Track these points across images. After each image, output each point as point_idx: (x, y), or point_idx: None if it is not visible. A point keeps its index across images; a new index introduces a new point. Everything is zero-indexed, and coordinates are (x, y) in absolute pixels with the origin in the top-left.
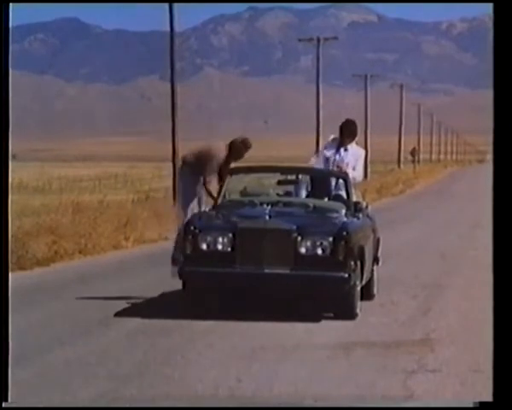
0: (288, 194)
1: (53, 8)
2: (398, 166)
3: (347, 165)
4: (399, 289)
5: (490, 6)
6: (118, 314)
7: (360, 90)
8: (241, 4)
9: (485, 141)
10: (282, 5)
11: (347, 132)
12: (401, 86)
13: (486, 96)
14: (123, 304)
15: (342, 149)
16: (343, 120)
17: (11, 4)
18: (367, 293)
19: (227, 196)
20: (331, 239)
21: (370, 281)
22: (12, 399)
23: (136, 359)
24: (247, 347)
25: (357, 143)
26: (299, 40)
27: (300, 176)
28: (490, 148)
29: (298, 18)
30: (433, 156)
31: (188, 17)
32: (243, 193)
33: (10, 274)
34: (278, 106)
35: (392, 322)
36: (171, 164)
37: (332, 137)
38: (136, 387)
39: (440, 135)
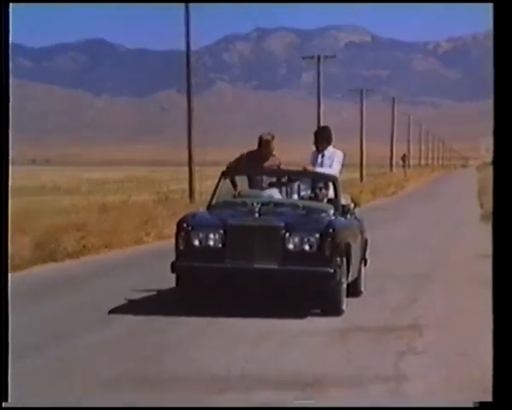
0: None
1: (82, 30)
2: (391, 170)
3: (324, 166)
4: (391, 279)
5: (473, 26)
6: (135, 303)
7: (356, 103)
8: (250, 25)
9: (467, 147)
10: (287, 26)
11: (321, 138)
12: (393, 99)
13: (469, 108)
14: (142, 293)
15: (319, 156)
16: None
17: (11, 4)
18: (355, 290)
19: (220, 197)
20: (318, 236)
21: (358, 279)
22: (12, 399)
23: (155, 342)
24: (249, 335)
25: (334, 147)
26: (302, 58)
27: (289, 178)
28: (472, 154)
29: (300, 38)
30: (422, 161)
31: (202, 36)
32: (237, 195)
33: (40, 266)
34: (283, 116)
35: (384, 309)
36: (187, 168)
37: (313, 150)
38: (157, 367)
39: (428, 142)
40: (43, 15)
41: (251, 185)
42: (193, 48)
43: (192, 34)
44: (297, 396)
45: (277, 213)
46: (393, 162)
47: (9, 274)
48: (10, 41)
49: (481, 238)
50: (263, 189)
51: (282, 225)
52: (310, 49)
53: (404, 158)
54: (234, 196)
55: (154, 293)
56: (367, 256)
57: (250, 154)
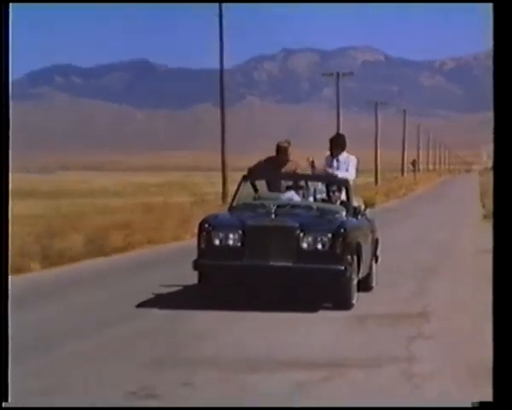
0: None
1: (127, 51)
2: (402, 174)
3: (341, 171)
4: (401, 272)
5: (475, 46)
6: (171, 294)
7: (371, 115)
8: (276, 46)
9: (470, 154)
10: (309, 47)
11: (336, 144)
12: (404, 111)
13: (471, 119)
14: (178, 285)
15: (335, 161)
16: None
17: (11, 4)
18: (366, 285)
19: (241, 200)
20: (330, 236)
21: (369, 275)
22: (12, 399)
23: (193, 329)
24: (278, 323)
25: (347, 153)
26: (323, 75)
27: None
28: (475, 159)
29: (321, 57)
30: (430, 166)
31: (234, 57)
32: (257, 197)
33: (91, 260)
34: (305, 127)
35: (396, 299)
36: (218, 173)
37: (327, 153)
38: (195, 349)
39: (435, 149)
40: (92, 36)
41: (270, 188)
42: (226, 67)
43: (225, 54)
44: (322, 376)
45: (292, 215)
46: (404, 167)
47: (9, 275)
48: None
49: (483, 235)
50: (281, 192)
51: (297, 225)
52: (330, 67)
53: (413, 163)
54: (254, 199)
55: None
56: (378, 253)
57: (269, 159)
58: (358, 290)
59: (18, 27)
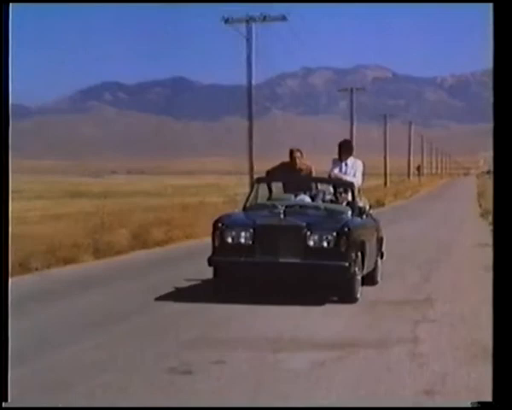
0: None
1: (166, 69)
2: (408, 177)
3: (349, 175)
4: (408, 263)
5: (473, 64)
6: (204, 282)
7: (381, 125)
8: (297, 64)
9: (468, 160)
10: (326, 65)
11: (344, 150)
12: (410, 123)
13: (469, 129)
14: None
15: (343, 165)
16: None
17: (11, 5)
18: (371, 280)
19: (254, 200)
20: (335, 234)
21: (374, 270)
22: (12, 399)
23: (221, 314)
24: (290, 310)
25: (354, 157)
26: (338, 90)
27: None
28: (472, 165)
29: (337, 75)
30: (433, 171)
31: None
32: (270, 198)
33: (135, 252)
34: (323, 136)
35: (403, 286)
36: (248, 176)
37: (334, 158)
38: (226, 330)
39: (438, 156)
40: (136, 56)
41: (285, 190)
42: (253, 83)
43: (252, 72)
44: (338, 355)
45: (300, 214)
46: (410, 172)
47: (9, 277)
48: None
49: (480, 230)
50: (295, 193)
51: (304, 224)
52: (344, 84)
53: (418, 168)
54: (268, 200)
55: None
56: (383, 250)
57: (283, 164)
58: (363, 285)
59: (71, 46)
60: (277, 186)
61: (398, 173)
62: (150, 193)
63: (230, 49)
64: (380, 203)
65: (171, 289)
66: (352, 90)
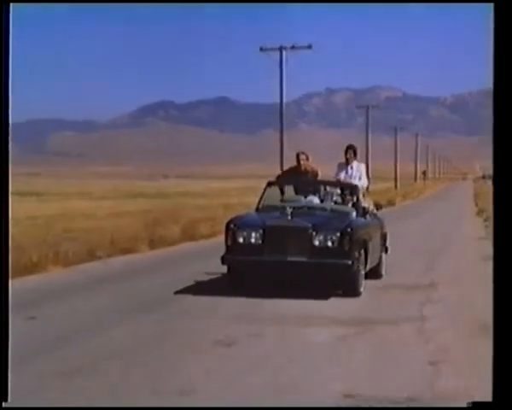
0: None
1: (211, 89)
2: (415, 181)
3: (355, 178)
4: (415, 252)
5: (470, 85)
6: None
7: (392, 136)
8: (322, 85)
9: (466, 166)
10: (346, 86)
11: (349, 154)
12: (416, 135)
13: (466, 140)
14: None
15: (349, 168)
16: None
17: (11, 4)
18: (376, 273)
19: (266, 202)
20: (339, 234)
21: (379, 265)
22: (12, 399)
23: (256, 296)
24: (315, 294)
25: (358, 161)
26: (356, 107)
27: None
28: (470, 170)
29: (355, 94)
30: (436, 175)
31: (290, 94)
32: (282, 200)
33: (185, 243)
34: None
35: (410, 272)
36: None
37: (339, 162)
38: (261, 310)
39: (440, 163)
40: (185, 77)
41: (296, 192)
42: (284, 101)
43: (284, 92)
44: (356, 331)
45: (307, 216)
46: (417, 176)
47: (9, 277)
48: (10, 43)
49: (476, 226)
50: (304, 195)
51: (310, 225)
52: (361, 102)
53: (424, 173)
54: (281, 201)
55: None
56: (387, 245)
57: (290, 168)
58: (369, 278)
59: (130, 69)
60: (289, 188)
61: (406, 177)
62: (197, 194)
63: (265, 73)
64: (391, 203)
65: (214, 276)
66: (367, 108)
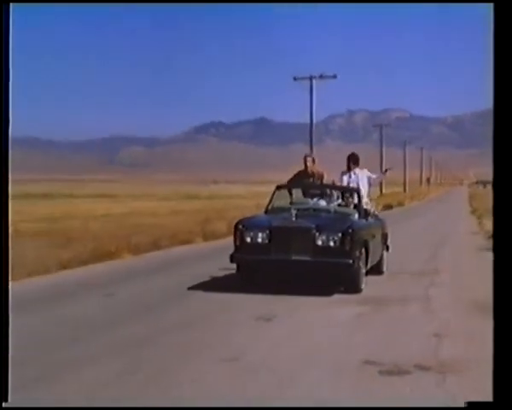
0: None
1: (251, 111)
2: (420, 185)
3: (361, 185)
4: (421, 245)
5: (467, 107)
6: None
7: (401, 150)
8: (344, 107)
9: (462, 174)
10: (364, 108)
11: (352, 161)
12: (421, 148)
13: (463, 152)
14: None
15: (352, 174)
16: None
17: (11, 4)
18: (378, 270)
19: (275, 204)
20: (340, 235)
21: (380, 262)
22: (12, 399)
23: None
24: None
25: (360, 168)
26: (372, 126)
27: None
28: (465, 177)
29: (371, 115)
30: (437, 181)
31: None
32: (291, 202)
33: (228, 238)
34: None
35: (416, 261)
36: None
37: (342, 171)
38: (291, 293)
39: (441, 171)
40: (231, 101)
41: (304, 195)
42: (314, 121)
43: (314, 113)
44: (372, 309)
45: (311, 217)
46: (422, 182)
47: (9, 278)
48: (10, 43)
49: (471, 222)
50: (312, 197)
51: (313, 226)
52: (376, 121)
53: (428, 179)
54: (290, 204)
55: None
56: (388, 243)
57: (299, 172)
58: (367, 275)
59: (187, 95)
60: (298, 191)
61: (413, 183)
62: (241, 196)
63: (297, 97)
64: (401, 204)
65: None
66: (381, 126)
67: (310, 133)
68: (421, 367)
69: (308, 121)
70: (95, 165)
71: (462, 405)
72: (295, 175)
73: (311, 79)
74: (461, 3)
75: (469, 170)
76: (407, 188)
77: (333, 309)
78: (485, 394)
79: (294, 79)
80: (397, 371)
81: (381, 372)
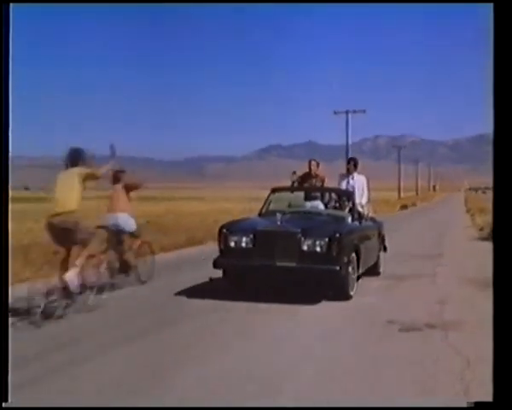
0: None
1: (302, 135)
2: (428, 191)
3: (357, 188)
4: (427, 235)
5: (466, 132)
6: None
7: (414, 166)
8: (372, 133)
9: (459, 182)
10: (386, 134)
11: (351, 165)
12: (429, 164)
13: (460, 167)
14: None
15: (350, 178)
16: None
17: (11, 4)
18: (374, 271)
19: (269, 207)
20: (327, 239)
21: (377, 264)
22: (12, 399)
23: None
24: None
25: (358, 173)
26: (392, 147)
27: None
28: (461, 185)
29: (391, 139)
30: (441, 188)
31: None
32: (290, 205)
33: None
34: (382, 173)
35: (423, 247)
36: None
37: (341, 173)
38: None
39: (443, 181)
40: (283, 127)
41: (306, 198)
42: (349, 143)
43: (349, 138)
44: (392, 283)
45: (300, 220)
46: (429, 188)
47: (9, 279)
48: (10, 43)
49: (466, 220)
50: (310, 200)
51: (298, 230)
52: (395, 143)
53: (434, 187)
54: (289, 206)
55: None
56: (386, 244)
57: (304, 173)
58: (363, 277)
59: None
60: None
61: (423, 189)
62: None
63: (337, 126)
64: (414, 204)
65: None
66: (399, 148)
67: (346, 152)
68: (429, 325)
69: (345, 143)
70: (187, 177)
71: (463, 405)
72: (301, 176)
73: (347, 112)
74: (461, 3)
75: (464, 180)
76: (419, 192)
77: (365, 281)
78: (486, 351)
79: (334, 112)
80: (411, 328)
81: (400, 330)
